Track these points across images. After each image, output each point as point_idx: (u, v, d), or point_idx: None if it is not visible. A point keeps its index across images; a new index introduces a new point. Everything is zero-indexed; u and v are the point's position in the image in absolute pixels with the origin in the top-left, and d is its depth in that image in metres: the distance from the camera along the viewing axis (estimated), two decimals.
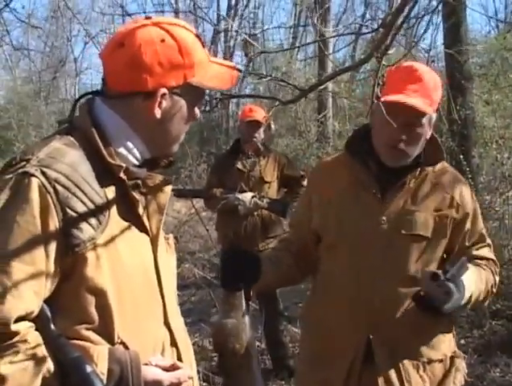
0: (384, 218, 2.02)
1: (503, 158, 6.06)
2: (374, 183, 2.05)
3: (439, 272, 1.88)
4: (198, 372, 3.99)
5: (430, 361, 2.05)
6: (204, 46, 1.46)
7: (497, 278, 2.14)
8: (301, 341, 2.40)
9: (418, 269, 2.01)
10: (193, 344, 5.17)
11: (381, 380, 2.00)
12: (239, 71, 1.53)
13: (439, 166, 2.10)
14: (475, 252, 2.12)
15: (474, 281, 2.01)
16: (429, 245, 2.03)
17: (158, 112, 1.40)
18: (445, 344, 2.09)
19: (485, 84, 9.01)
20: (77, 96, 1.49)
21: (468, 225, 2.08)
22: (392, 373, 2.01)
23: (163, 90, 1.38)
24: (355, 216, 2.06)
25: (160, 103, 1.39)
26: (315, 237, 2.16)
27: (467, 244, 2.10)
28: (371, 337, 2.01)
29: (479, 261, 2.11)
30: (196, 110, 1.48)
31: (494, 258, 2.16)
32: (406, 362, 2.02)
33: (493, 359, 4.55)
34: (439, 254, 2.06)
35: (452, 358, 2.10)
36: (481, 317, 5.03)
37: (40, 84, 19.57)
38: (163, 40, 1.38)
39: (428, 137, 2.04)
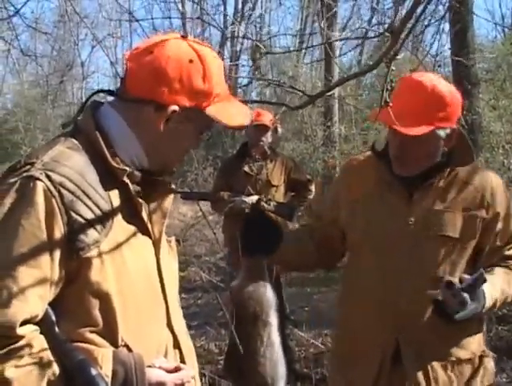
0: (412, 219, 2.01)
1: (510, 163, 6.07)
2: (401, 184, 2.05)
3: (456, 280, 1.87)
4: (204, 375, 4.01)
5: (458, 361, 2.03)
6: (226, 80, 1.47)
7: None
8: (331, 340, 2.42)
9: (445, 270, 1.99)
10: (199, 347, 5.20)
11: (408, 381, 2.01)
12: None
13: (470, 165, 2.07)
14: (507, 253, 2.08)
15: (500, 287, 1.99)
16: (457, 246, 2.00)
17: (163, 126, 1.40)
18: (474, 343, 2.07)
19: (491, 89, 9.01)
20: (88, 95, 1.49)
21: (499, 225, 2.04)
22: (420, 374, 2.00)
23: (175, 107, 1.38)
24: (382, 217, 2.06)
25: (168, 119, 1.39)
26: (341, 234, 2.17)
27: (498, 243, 2.06)
28: (398, 338, 2.01)
29: (510, 262, 2.08)
30: (200, 138, 1.50)
31: None
32: (433, 362, 2.01)
33: (500, 365, 4.54)
34: (467, 255, 2.03)
35: (481, 357, 2.08)
36: (487, 322, 5.02)
37: (47, 87, 19.59)
38: (191, 60, 1.39)
39: (441, 148, 2.02)
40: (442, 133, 1.98)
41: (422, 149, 2.00)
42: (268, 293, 1.85)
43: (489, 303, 1.95)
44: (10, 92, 20.30)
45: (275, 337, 1.83)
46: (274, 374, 1.82)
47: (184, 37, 1.44)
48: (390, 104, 1.67)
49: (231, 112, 1.46)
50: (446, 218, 2.01)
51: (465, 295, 1.85)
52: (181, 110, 1.39)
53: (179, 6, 18.29)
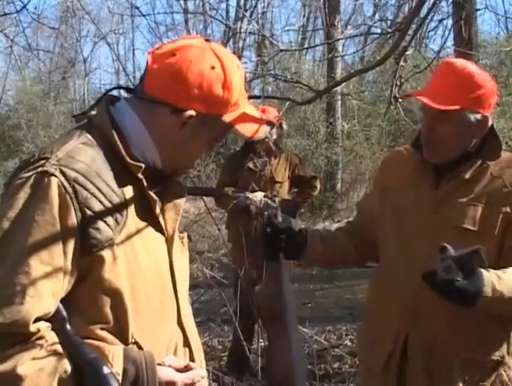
0: (435, 208, 2.02)
1: None
2: (432, 173, 2.06)
3: (449, 246, 1.78)
4: (208, 372, 4.01)
5: (468, 361, 1.98)
6: (246, 90, 1.47)
7: None
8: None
9: None
10: (202, 344, 5.19)
11: (409, 375, 2.01)
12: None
13: (504, 159, 2.03)
14: None
15: (509, 283, 1.86)
16: (476, 239, 1.91)
17: (178, 130, 1.40)
18: (493, 347, 2.00)
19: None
20: (107, 89, 1.49)
21: None
22: (423, 369, 2.00)
23: (192, 112, 1.38)
24: (409, 205, 2.07)
25: (185, 123, 1.39)
26: (375, 225, 2.19)
27: None
28: (409, 329, 2.01)
29: None
30: (215, 144, 1.51)
31: None
32: (440, 359, 1.99)
33: None
34: (489, 248, 1.88)
35: (498, 362, 2.00)
36: None
37: (50, 84, 19.62)
38: (213, 67, 1.38)
39: (471, 134, 2.01)
40: (472, 116, 1.97)
41: (450, 129, 1.98)
42: (285, 295, 1.92)
43: (488, 291, 1.81)
44: (12, 88, 20.29)
45: (292, 336, 1.89)
46: (290, 370, 1.87)
47: (208, 40, 1.44)
48: (398, 99, 1.68)
49: (248, 122, 1.46)
50: (466, 210, 1.98)
51: (451, 262, 1.75)
52: (197, 116, 1.39)
53: (182, 1, 18.28)
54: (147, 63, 1.41)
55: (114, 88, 1.50)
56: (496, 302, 1.81)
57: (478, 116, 1.98)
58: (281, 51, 2.42)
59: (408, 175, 2.12)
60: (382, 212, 2.15)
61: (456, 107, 1.95)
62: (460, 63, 2.01)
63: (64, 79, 20.46)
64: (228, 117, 1.42)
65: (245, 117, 1.45)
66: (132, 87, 1.47)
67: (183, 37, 1.48)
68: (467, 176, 2.01)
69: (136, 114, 1.41)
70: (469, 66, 2.01)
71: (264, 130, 1.50)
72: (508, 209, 1.96)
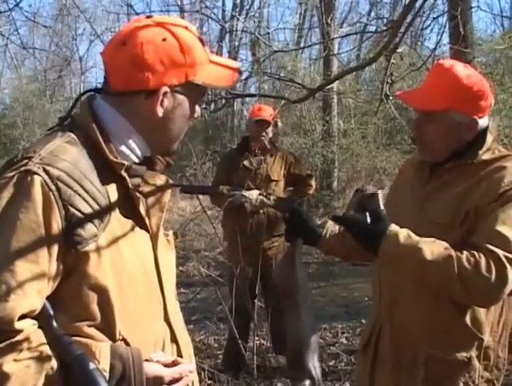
0: (420, 206, 2.07)
1: None
2: (427, 172, 2.10)
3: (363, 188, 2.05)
4: (203, 370, 4.01)
5: (432, 357, 2.00)
6: (204, 45, 1.46)
7: (476, 276, 1.83)
8: None
9: None
10: (198, 342, 5.20)
11: (380, 362, 2.11)
12: (239, 72, 1.54)
13: (487, 157, 2.01)
14: (474, 240, 1.90)
15: (419, 241, 1.89)
16: (443, 233, 1.95)
17: (160, 111, 1.40)
18: (460, 347, 2.00)
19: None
20: (79, 94, 1.49)
21: (488, 217, 1.90)
22: (389, 358, 2.08)
23: (165, 88, 1.39)
24: (403, 202, 2.14)
25: (162, 101, 1.39)
26: None
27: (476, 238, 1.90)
28: (382, 321, 2.11)
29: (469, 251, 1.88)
30: (197, 108, 1.49)
31: (492, 261, 1.83)
32: (405, 351, 2.04)
33: None
34: (457, 244, 1.90)
35: (464, 363, 2.00)
36: None
37: (45, 82, 19.59)
38: (164, 39, 1.39)
39: (459, 134, 2.01)
40: (458, 118, 1.98)
41: (436, 130, 2.01)
42: (298, 274, 2.08)
43: (390, 239, 1.88)
44: (8, 86, 20.26)
45: (303, 312, 2.05)
46: (300, 338, 2.03)
47: (149, 17, 1.44)
48: (389, 96, 1.69)
49: (218, 74, 1.46)
50: (441, 205, 2.01)
51: (354, 201, 2.01)
52: (172, 89, 1.40)
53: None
54: (104, 62, 1.42)
55: (84, 94, 1.49)
56: (397, 256, 1.90)
57: (466, 118, 1.98)
58: (275, 52, 2.41)
59: (410, 174, 2.19)
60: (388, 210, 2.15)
61: (441, 108, 1.96)
62: (449, 64, 2.02)
63: (60, 77, 20.43)
64: (199, 78, 1.42)
65: (216, 70, 1.46)
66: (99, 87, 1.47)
67: (124, 25, 1.49)
68: (447, 175, 2.04)
69: (115, 109, 1.41)
70: (459, 67, 2.00)
71: (238, 76, 1.51)
72: (480, 203, 1.92)
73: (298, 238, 2.17)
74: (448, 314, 1.99)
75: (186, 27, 1.44)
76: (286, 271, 2.12)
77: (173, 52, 1.38)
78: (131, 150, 1.43)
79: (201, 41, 1.45)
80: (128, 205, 1.40)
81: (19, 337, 1.22)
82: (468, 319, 1.98)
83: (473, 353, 2.01)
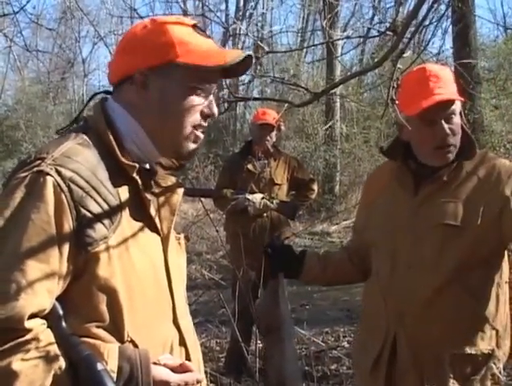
0: (415, 211, 2.05)
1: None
2: (410, 179, 2.10)
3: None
4: (206, 373, 4.01)
5: (458, 355, 2.01)
6: (199, 32, 1.44)
7: None
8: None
9: (452, 259, 1.99)
10: (200, 345, 5.20)
11: (399, 374, 2.05)
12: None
13: (477, 156, 2.08)
14: None
15: None
16: (458, 234, 1.99)
17: (145, 94, 1.40)
18: (482, 340, 2.02)
19: (493, 88, 9.01)
20: (90, 96, 1.52)
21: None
22: (412, 365, 2.03)
23: (141, 70, 1.39)
24: (390, 212, 2.11)
25: (144, 82, 1.39)
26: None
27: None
28: (396, 328, 2.06)
29: None
30: (209, 103, 1.45)
31: None
32: (428, 356, 2.02)
33: None
34: (473, 242, 1.99)
35: (489, 355, 2.03)
36: None
37: (49, 84, 19.62)
38: (145, 26, 1.43)
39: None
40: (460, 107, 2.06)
41: (456, 122, 2.04)
42: (281, 310, 2.08)
43: None
44: (11, 88, 20.32)
45: (287, 347, 2.05)
46: (283, 374, 2.01)
47: (142, 17, 1.49)
48: (395, 101, 1.70)
49: (204, 53, 1.41)
50: (446, 207, 2.02)
51: None
52: (153, 71, 1.39)
53: (181, 3, 18.31)
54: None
55: (96, 94, 1.52)
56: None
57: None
58: (267, 52, 2.42)
59: (387, 184, 2.17)
60: (369, 224, 2.21)
61: (460, 98, 2.04)
62: (433, 65, 2.12)
63: (63, 79, 20.46)
64: (182, 59, 1.39)
65: (198, 52, 1.41)
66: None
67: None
68: (445, 178, 2.05)
69: (120, 105, 1.43)
70: (438, 65, 2.15)
71: (225, 55, 1.43)
72: (488, 199, 2.00)
73: (280, 272, 2.18)
74: (468, 310, 2.00)
75: (170, 15, 1.50)
76: (269, 306, 2.11)
77: (151, 35, 1.41)
78: (142, 152, 1.43)
79: (196, 27, 1.44)
80: (139, 207, 1.40)
81: (28, 336, 1.22)
82: (485, 311, 2.01)
83: (493, 344, 2.04)
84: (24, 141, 15.95)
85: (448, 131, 2.01)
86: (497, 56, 10.37)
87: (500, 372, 2.05)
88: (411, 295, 2.02)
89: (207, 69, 1.40)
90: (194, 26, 1.45)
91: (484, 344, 2.03)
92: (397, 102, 1.60)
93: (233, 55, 1.43)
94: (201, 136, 1.47)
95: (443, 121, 2.00)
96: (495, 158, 2.11)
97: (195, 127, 1.44)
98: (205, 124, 1.47)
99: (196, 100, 1.43)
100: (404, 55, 1.60)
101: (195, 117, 1.44)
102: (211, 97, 1.46)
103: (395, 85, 1.77)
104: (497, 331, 2.05)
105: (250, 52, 1.48)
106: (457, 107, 2.04)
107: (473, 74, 7.09)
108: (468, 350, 2.01)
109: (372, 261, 2.23)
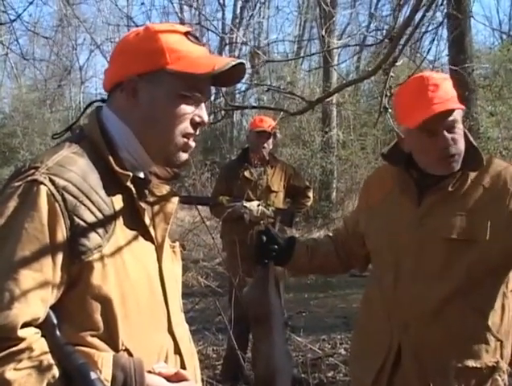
0: (420, 222, 2.03)
1: None
2: (413, 188, 2.07)
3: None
4: (202, 380, 4.01)
5: (463, 368, 1.99)
6: (192, 40, 1.43)
7: None
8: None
9: (458, 272, 1.98)
10: (197, 352, 5.19)
11: (403, 383, 2.03)
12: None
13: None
14: None
15: None
16: (465, 248, 1.97)
17: (135, 101, 1.39)
18: (486, 353, 2.01)
19: (489, 95, 9.04)
20: (86, 103, 1.53)
21: None
22: (417, 377, 2.01)
23: (132, 77, 1.38)
24: (393, 220, 2.08)
25: (134, 90, 1.39)
26: (361, 240, 2.23)
27: None
28: (400, 339, 2.03)
29: None
30: (200, 111, 1.43)
31: None
32: (434, 367, 2.00)
33: None
34: (479, 255, 1.97)
35: (493, 367, 2.01)
36: None
37: (45, 92, 19.61)
38: (137, 34, 1.43)
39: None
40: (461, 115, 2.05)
41: (459, 130, 2.02)
42: (270, 298, 2.00)
43: None
44: (7, 96, 20.31)
45: (276, 337, 1.96)
46: (271, 366, 1.94)
47: (138, 26, 1.50)
48: (388, 109, 1.70)
49: (194, 60, 1.40)
50: (452, 221, 1.99)
51: None
52: (142, 77, 1.39)
53: (178, 11, 18.34)
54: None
55: (92, 103, 1.53)
56: None
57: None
58: (267, 62, 2.44)
59: (389, 191, 2.14)
60: (368, 229, 2.19)
61: (461, 106, 2.03)
62: (430, 73, 2.08)
63: (59, 87, 20.43)
64: (172, 66, 1.38)
65: (190, 59, 1.40)
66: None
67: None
68: (450, 188, 2.02)
69: (113, 113, 1.43)
70: (435, 73, 2.10)
71: (217, 61, 1.41)
72: (493, 209, 1.98)
73: (270, 260, 2.14)
74: (473, 322, 1.99)
75: (164, 23, 1.49)
76: (258, 296, 2.04)
77: (142, 42, 1.40)
78: (136, 160, 1.43)
79: (189, 35, 1.44)
80: (133, 216, 1.40)
81: (22, 345, 1.22)
82: (490, 323, 2.00)
83: (498, 355, 2.02)
84: (21, 149, 15.93)
85: (450, 141, 1.98)
86: (492, 63, 10.41)
87: (505, 384, 2.03)
88: (416, 306, 2.00)
89: (196, 77, 1.39)
90: (187, 34, 1.44)
91: (488, 357, 2.01)
92: (390, 110, 1.60)
93: (223, 62, 1.41)
94: (192, 144, 1.45)
95: (444, 131, 1.97)
96: (500, 164, 2.07)
97: (185, 136, 1.43)
98: (196, 132, 1.45)
99: (186, 109, 1.41)
100: (398, 63, 1.60)
101: (184, 126, 1.42)
102: (202, 105, 1.45)
103: (388, 94, 1.77)
104: (501, 342, 2.03)
105: (242, 60, 1.46)
106: (458, 115, 2.01)
107: (469, 81, 7.11)
108: (474, 363, 1.99)
109: (372, 266, 2.24)
